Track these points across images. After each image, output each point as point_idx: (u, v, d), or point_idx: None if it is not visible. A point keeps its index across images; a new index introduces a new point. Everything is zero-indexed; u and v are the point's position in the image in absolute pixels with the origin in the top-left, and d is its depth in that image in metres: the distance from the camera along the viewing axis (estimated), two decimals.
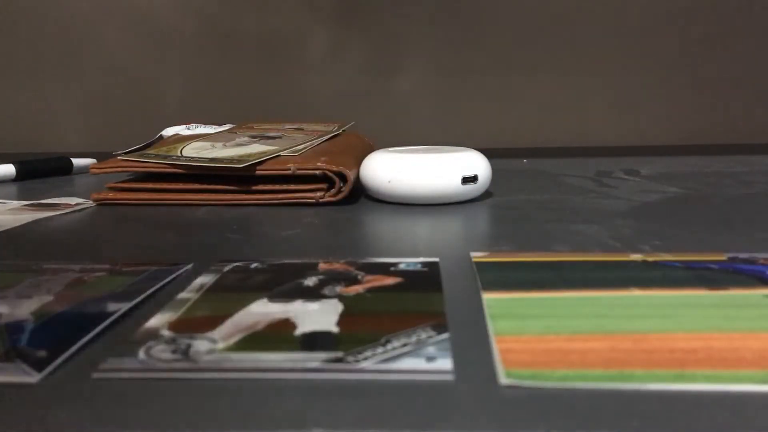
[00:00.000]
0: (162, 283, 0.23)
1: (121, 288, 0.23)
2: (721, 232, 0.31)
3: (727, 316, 0.19)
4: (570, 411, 0.14)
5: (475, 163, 0.39)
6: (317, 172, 0.39)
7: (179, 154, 0.42)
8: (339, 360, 0.16)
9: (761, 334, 0.18)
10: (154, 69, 0.87)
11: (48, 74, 0.87)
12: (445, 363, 0.16)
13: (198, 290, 0.22)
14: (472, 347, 0.17)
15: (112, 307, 0.21)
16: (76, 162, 0.58)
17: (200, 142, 0.47)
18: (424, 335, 0.18)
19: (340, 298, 0.21)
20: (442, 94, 0.85)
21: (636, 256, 0.26)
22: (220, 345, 0.17)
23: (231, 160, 0.40)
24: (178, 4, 0.85)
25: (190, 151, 0.43)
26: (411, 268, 0.25)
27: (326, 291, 0.22)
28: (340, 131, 0.54)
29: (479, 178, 0.39)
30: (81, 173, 0.58)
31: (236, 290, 0.22)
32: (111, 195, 0.41)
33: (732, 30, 0.82)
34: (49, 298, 0.22)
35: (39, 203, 0.41)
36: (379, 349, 0.17)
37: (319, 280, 0.23)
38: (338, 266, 0.25)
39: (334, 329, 0.18)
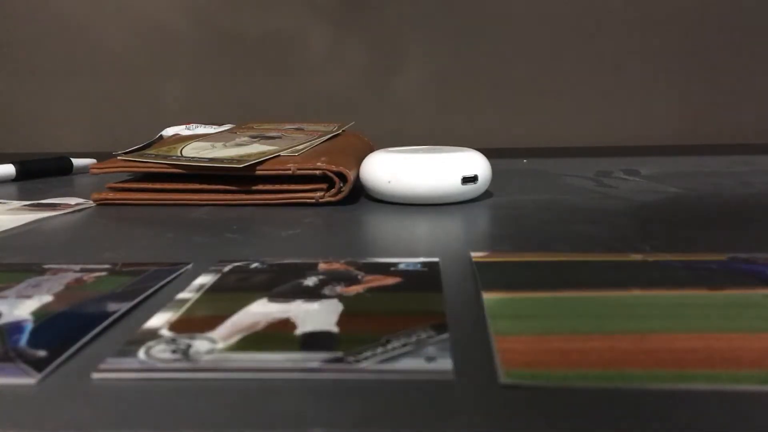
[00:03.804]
0: (162, 283, 0.23)
1: (121, 288, 0.23)
2: (721, 232, 0.31)
3: (727, 316, 0.19)
4: (570, 411, 0.14)
5: (475, 163, 0.39)
6: (317, 172, 0.39)
7: (179, 154, 0.42)
8: (339, 360, 0.16)
9: (761, 334, 0.18)
10: (154, 69, 0.87)
11: (48, 74, 0.87)
12: (445, 363, 0.16)
13: (198, 290, 0.22)
14: (472, 347, 0.17)
15: (112, 307, 0.21)
16: (76, 162, 0.58)
17: (200, 142, 0.47)
18: (424, 335, 0.18)
19: (340, 298, 0.21)
20: (442, 94, 0.85)
21: (636, 256, 0.26)
22: (220, 345, 0.17)
23: (231, 160, 0.40)
24: (178, 4, 0.85)
25: (190, 151, 0.43)
26: (411, 268, 0.25)
27: (326, 291, 0.22)
28: (340, 131, 0.54)
29: (479, 178, 0.39)
30: (81, 173, 0.58)
31: (236, 290, 0.22)
32: (111, 195, 0.41)
33: (732, 30, 0.82)
34: (49, 298, 0.22)
35: (39, 203, 0.41)
36: (379, 349, 0.17)
37: (319, 280, 0.23)
38: (338, 266, 0.25)
39: (334, 329, 0.18)
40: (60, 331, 0.19)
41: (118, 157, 0.43)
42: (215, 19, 0.85)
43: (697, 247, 0.27)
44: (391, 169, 0.38)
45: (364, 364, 0.16)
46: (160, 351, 0.17)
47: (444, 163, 0.38)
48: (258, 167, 0.39)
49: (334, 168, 0.39)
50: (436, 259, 0.26)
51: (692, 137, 0.83)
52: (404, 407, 0.14)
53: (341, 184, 0.39)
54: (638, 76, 0.83)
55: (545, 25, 0.83)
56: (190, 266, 0.26)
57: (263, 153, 0.42)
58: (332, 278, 0.23)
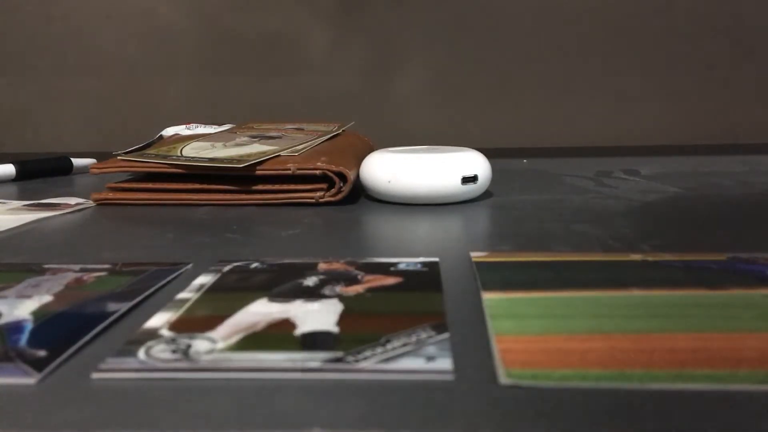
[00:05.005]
0: (162, 283, 0.23)
1: (121, 288, 0.23)
2: (721, 232, 0.31)
3: (727, 316, 0.19)
4: (570, 411, 0.14)
5: (475, 163, 0.39)
6: (317, 172, 0.39)
7: (179, 154, 0.42)
8: (339, 360, 0.16)
9: (761, 334, 0.18)
10: (154, 69, 0.87)
11: (48, 74, 0.87)
12: (445, 363, 0.16)
13: (198, 290, 0.22)
14: (472, 347, 0.17)
15: (112, 307, 0.21)
16: (76, 162, 0.58)
17: (200, 142, 0.47)
18: (424, 335, 0.18)
19: (340, 298, 0.21)
20: (442, 94, 0.85)
21: (636, 256, 0.26)
22: (220, 345, 0.17)
23: (231, 160, 0.40)
24: (178, 4, 0.85)
25: (190, 151, 0.43)
26: (411, 268, 0.25)
27: (326, 291, 0.22)
28: (340, 131, 0.54)
29: (479, 178, 0.39)
30: (81, 173, 0.58)
31: (236, 290, 0.22)
32: (111, 195, 0.41)
33: (732, 30, 0.81)
34: (49, 298, 0.22)
35: (39, 203, 0.41)
36: (379, 349, 0.17)
37: (319, 280, 0.23)
38: (338, 266, 0.25)
39: (334, 329, 0.18)
40: (60, 331, 0.19)
41: (118, 157, 0.43)
42: (215, 19, 0.85)
43: (697, 247, 0.27)
44: (391, 169, 0.38)
45: (364, 364, 0.16)
46: (160, 351, 0.17)
47: (444, 163, 0.38)
48: (258, 167, 0.39)
49: (334, 168, 0.39)
50: (436, 259, 0.26)
51: (692, 137, 0.83)
52: (404, 407, 0.14)
53: (341, 184, 0.39)
54: (638, 76, 0.83)
55: (545, 25, 0.83)
56: (190, 266, 0.26)
57: (263, 153, 0.42)
58: (332, 278, 0.23)
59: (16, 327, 0.19)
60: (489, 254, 0.27)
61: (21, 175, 0.54)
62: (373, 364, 0.16)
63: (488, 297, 0.21)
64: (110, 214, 0.38)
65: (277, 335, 0.18)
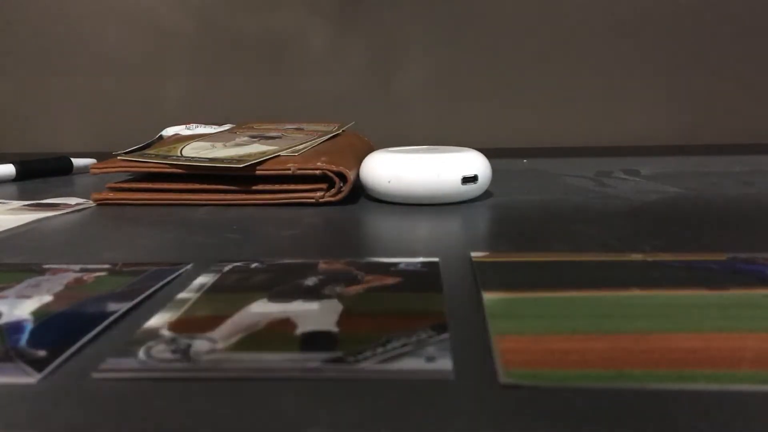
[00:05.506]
0: (162, 283, 0.23)
1: (121, 288, 0.23)
2: (721, 232, 0.31)
3: (727, 316, 0.19)
4: (570, 411, 0.14)
5: (475, 163, 0.39)
6: (317, 172, 0.39)
7: (179, 154, 0.42)
8: (339, 360, 0.16)
9: (761, 334, 0.18)
10: (154, 69, 0.87)
11: (48, 74, 0.87)
12: (445, 363, 0.16)
13: (198, 290, 0.22)
14: (472, 347, 0.17)
15: (112, 307, 0.21)
16: (76, 162, 0.58)
17: (200, 142, 0.47)
18: (424, 335, 0.18)
19: (340, 298, 0.21)
20: (442, 94, 0.85)
21: (636, 256, 0.26)
22: (220, 345, 0.17)
23: (231, 160, 0.40)
24: (178, 4, 0.85)
25: (190, 151, 0.43)
26: (411, 268, 0.25)
27: (326, 291, 0.22)
28: (340, 131, 0.54)
29: (479, 178, 0.39)
30: (81, 173, 0.58)
31: (236, 290, 0.22)
32: (111, 195, 0.41)
33: (732, 30, 0.82)
34: (49, 298, 0.22)
35: (39, 203, 0.41)
36: (379, 349, 0.17)
37: (319, 280, 0.23)
38: (338, 266, 0.25)
39: (334, 329, 0.18)
40: (60, 331, 0.19)
41: (118, 157, 0.43)
42: (215, 19, 0.85)
43: (697, 247, 0.27)
44: (391, 169, 0.38)
45: (364, 364, 0.16)
46: (160, 351, 0.17)
47: (444, 163, 0.38)
48: (258, 167, 0.39)
49: (334, 168, 0.39)
50: (436, 259, 0.26)
51: (692, 137, 0.83)
52: (404, 407, 0.14)
53: (341, 184, 0.39)
54: (638, 76, 0.83)
55: (545, 25, 0.83)
56: (190, 266, 0.26)
57: (263, 153, 0.42)
58: (332, 278, 0.23)
59: (16, 327, 0.19)
60: (489, 254, 0.27)
61: (21, 175, 0.54)
62: (373, 364, 0.16)
63: (488, 297, 0.21)
64: (110, 214, 0.38)
65: (277, 335, 0.18)
